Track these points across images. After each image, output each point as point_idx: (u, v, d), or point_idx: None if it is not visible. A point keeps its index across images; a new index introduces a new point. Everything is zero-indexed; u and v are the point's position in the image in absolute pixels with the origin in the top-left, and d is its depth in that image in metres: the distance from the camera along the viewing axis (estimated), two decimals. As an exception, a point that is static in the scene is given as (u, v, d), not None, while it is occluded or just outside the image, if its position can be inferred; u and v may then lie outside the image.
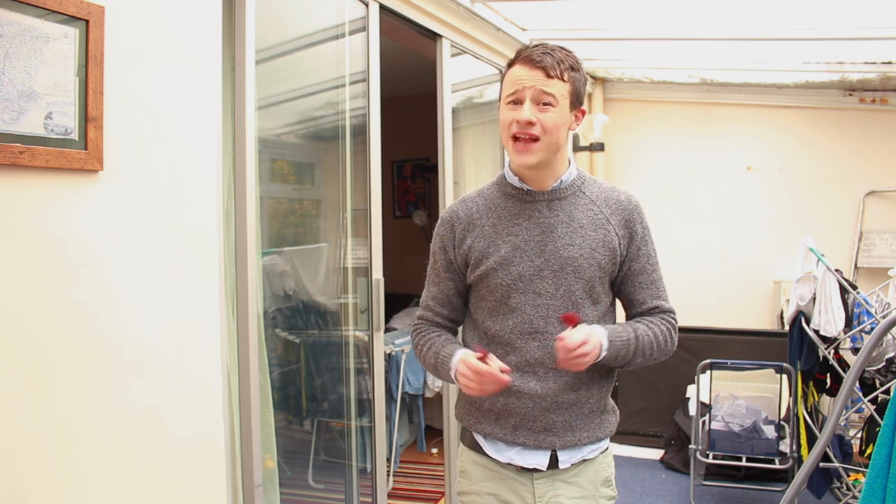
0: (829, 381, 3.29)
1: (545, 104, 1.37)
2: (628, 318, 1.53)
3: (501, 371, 1.33)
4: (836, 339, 3.06)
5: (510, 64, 1.44)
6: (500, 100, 1.48)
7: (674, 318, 1.51)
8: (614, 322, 1.52)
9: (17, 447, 1.24)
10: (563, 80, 1.38)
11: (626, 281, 1.49)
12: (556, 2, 3.24)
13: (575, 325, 1.34)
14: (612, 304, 1.53)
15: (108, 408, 1.40)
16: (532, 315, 1.42)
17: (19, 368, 1.24)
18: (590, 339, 1.33)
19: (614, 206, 1.47)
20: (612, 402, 1.55)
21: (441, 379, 1.58)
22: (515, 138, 1.38)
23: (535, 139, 1.37)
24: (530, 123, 1.36)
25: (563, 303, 1.41)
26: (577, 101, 1.43)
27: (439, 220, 1.56)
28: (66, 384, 1.32)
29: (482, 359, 1.34)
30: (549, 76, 1.37)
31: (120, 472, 1.42)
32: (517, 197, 1.47)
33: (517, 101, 1.39)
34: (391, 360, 3.75)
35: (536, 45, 1.42)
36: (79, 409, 1.34)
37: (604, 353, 1.38)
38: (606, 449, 1.53)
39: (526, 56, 1.39)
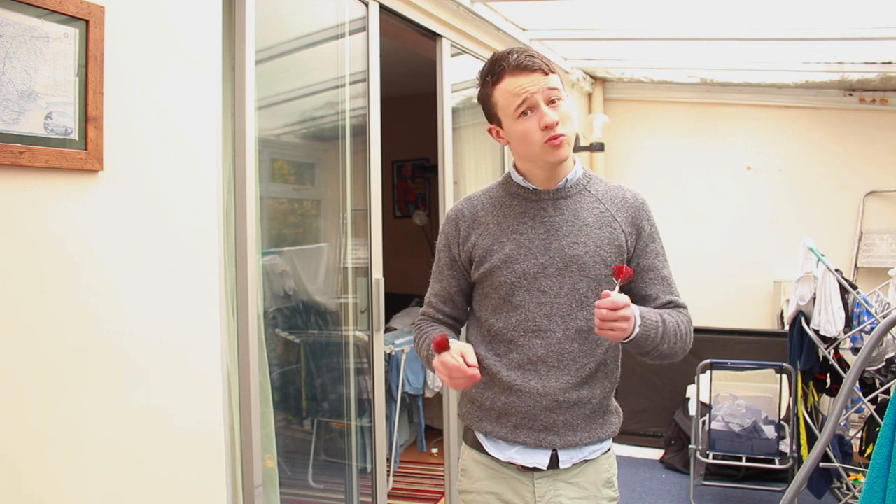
0: (829, 381, 3.29)
1: (554, 100, 1.38)
2: None
3: (469, 365, 1.31)
4: (836, 339, 3.06)
5: (495, 80, 1.40)
6: (493, 117, 1.44)
7: (689, 315, 1.50)
8: None
9: (21, 444, 1.24)
10: (554, 72, 1.40)
11: (637, 278, 1.48)
12: (556, 2, 3.24)
13: (625, 279, 1.30)
14: None
15: (108, 408, 1.40)
16: (536, 313, 1.42)
17: (22, 367, 1.24)
18: (631, 306, 1.30)
19: (620, 204, 1.47)
20: (615, 402, 1.54)
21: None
22: (550, 140, 1.37)
23: (564, 134, 1.38)
24: (558, 123, 1.37)
25: (567, 301, 1.41)
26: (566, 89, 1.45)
27: (445, 219, 1.56)
28: (67, 384, 1.32)
29: (442, 344, 1.32)
30: (545, 73, 1.37)
31: (120, 472, 1.42)
32: (522, 196, 1.47)
33: (531, 109, 1.37)
34: (391, 360, 3.75)
35: (516, 53, 1.38)
36: (80, 408, 1.34)
37: (637, 331, 1.33)
38: (609, 450, 1.52)
39: (515, 65, 1.37)
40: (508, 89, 1.38)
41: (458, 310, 1.57)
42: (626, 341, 1.35)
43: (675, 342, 1.43)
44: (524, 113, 1.37)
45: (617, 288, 1.30)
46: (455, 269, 1.52)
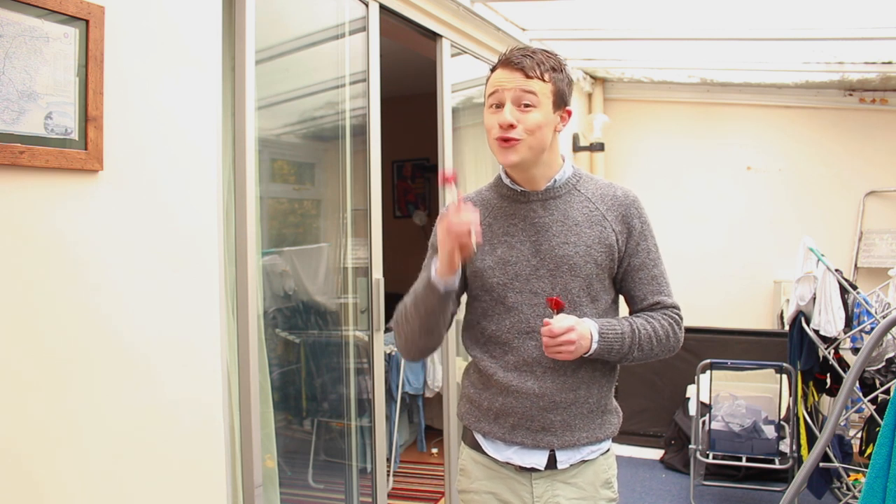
0: (829, 381, 3.29)
1: (526, 105, 1.36)
2: (631, 314, 1.52)
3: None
4: (836, 339, 3.06)
5: (493, 70, 1.43)
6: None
7: (677, 314, 1.49)
8: None
9: (26, 441, 1.24)
10: (544, 80, 1.37)
11: (627, 277, 1.48)
12: (556, 2, 3.24)
13: (559, 310, 1.33)
14: (615, 302, 1.52)
15: (109, 407, 1.40)
16: (529, 314, 1.42)
17: (23, 366, 1.24)
18: (577, 327, 1.32)
19: (610, 202, 1.46)
20: (614, 402, 1.53)
21: (423, 317, 1.41)
22: (499, 140, 1.38)
23: (518, 140, 1.37)
24: (512, 126, 1.36)
25: None
26: (560, 102, 1.41)
27: (439, 217, 1.54)
28: (69, 383, 1.32)
29: (452, 178, 1.36)
30: (528, 77, 1.36)
31: (121, 471, 1.42)
32: (512, 198, 1.48)
33: (499, 105, 1.38)
34: (391, 360, 3.75)
35: (518, 48, 1.40)
36: (83, 407, 1.34)
37: (594, 347, 1.37)
38: (608, 450, 1.52)
39: (506, 59, 1.39)
40: (490, 80, 1.42)
41: None
42: (587, 355, 1.38)
43: (652, 348, 1.44)
44: (493, 106, 1.40)
45: (554, 317, 1.33)
46: None
